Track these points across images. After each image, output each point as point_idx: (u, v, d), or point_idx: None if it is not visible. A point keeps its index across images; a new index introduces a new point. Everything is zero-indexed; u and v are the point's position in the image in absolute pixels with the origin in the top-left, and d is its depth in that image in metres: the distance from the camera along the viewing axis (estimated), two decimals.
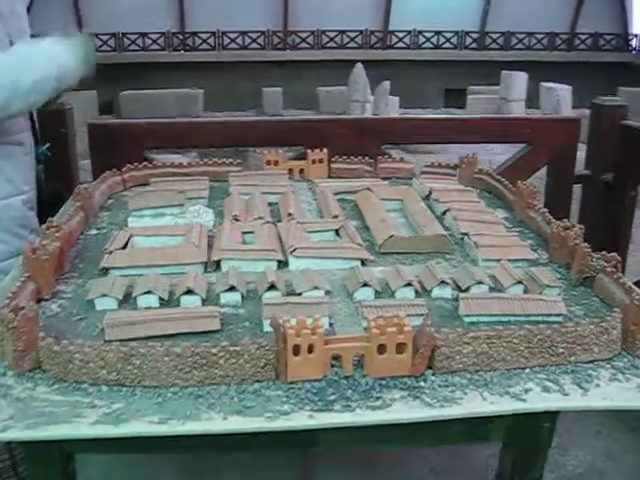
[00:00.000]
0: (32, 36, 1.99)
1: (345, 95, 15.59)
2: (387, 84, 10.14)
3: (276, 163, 2.21)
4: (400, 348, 1.15)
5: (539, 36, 20.11)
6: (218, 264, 1.54)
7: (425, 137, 2.64)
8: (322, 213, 1.90)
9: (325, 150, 2.23)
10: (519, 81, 11.91)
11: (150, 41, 18.31)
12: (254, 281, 1.46)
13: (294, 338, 1.11)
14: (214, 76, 17.53)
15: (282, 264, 1.57)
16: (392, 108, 10.08)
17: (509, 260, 1.61)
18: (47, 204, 2.13)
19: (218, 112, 15.81)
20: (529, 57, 19.27)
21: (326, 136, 2.48)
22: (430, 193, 2.04)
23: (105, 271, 1.51)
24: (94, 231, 1.82)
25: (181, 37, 18.50)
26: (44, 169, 2.17)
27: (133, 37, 18.13)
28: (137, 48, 18.23)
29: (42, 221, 2.17)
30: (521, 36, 20.07)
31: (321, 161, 2.23)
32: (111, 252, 1.53)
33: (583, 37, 20.45)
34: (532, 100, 12.58)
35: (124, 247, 1.57)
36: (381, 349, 1.15)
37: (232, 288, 1.37)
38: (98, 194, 1.97)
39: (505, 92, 12.03)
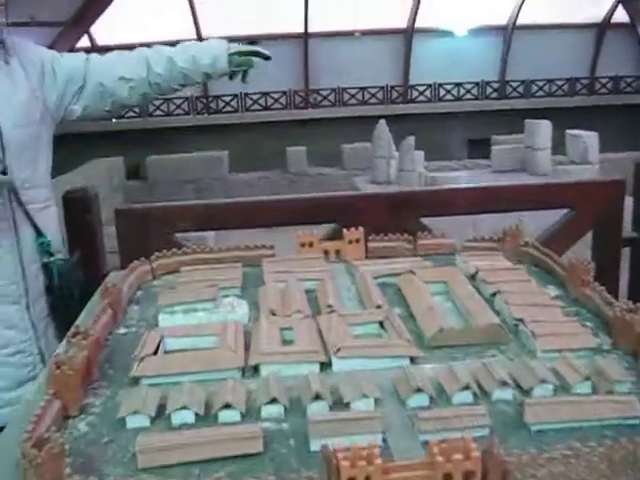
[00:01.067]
0: None
1: (369, 151, 15.67)
2: (412, 139, 10.11)
3: (311, 245, 2.11)
4: (467, 476, 1.02)
5: (559, 82, 20.15)
6: (256, 368, 1.43)
7: (462, 208, 2.54)
8: (363, 301, 1.78)
9: (361, 229, 2.13)
10: (543, 129, 11.82)
11: (174, 106, 18.63)
12: (297, 387, 1.34)
13: (349, 470, 0.99)
14: (238, 137, 17.72)
15: (325, 365, 1.45)
16: (418, 163, 10.01)
17: (570, 350, 1.48)
18: (59, 298, 2.11)
19: (243, 173, 15.96)
20: (550, 104, 19.27)
21: (359, 212, 2.39)
22: (476, 273, 1.92)
23: (135, 380, 1.41)
24: (123, 330, 1.72)
25: (205, 101, 18.80)
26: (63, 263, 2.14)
27: (157, 103, 18.45)
28: (162, 113, 18.54)
29: (56, 317, 2.13)
30: (541, 83, 20.12)
31: (358, 241, 2.13)
32: (142, 359, 1.42)
33: (603, 81, 20.45)
34: (556, 147, 12.48)
35: (155, 351, 1.46)
36: (446, 478, 1.02)
37: (274, 400, 1.26)
38: (126, 287, 1.88)
39: (530, 141, 11.95)
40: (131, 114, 18.49)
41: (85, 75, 2.30)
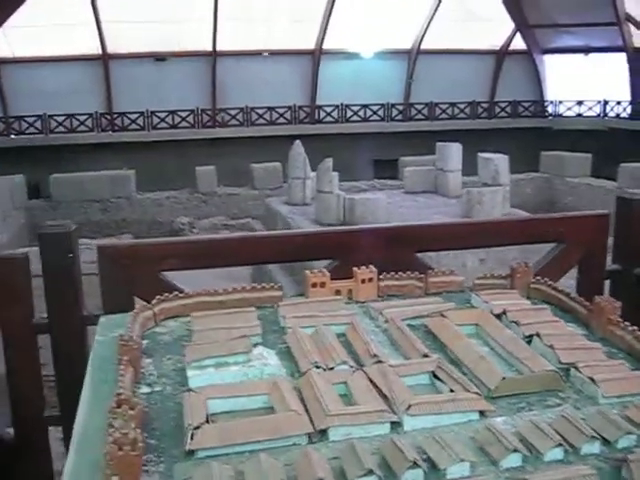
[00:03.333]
0: None
1: (279, 171, 15.62)
2: (329, 161, 10.10)
3: (322, 285, 1.99)
4: None
5: (461, 106, 20.79)
6: (323, 431, 1.31)
7: (458, 242, 2.49)
8: (402, 348, 1.68)
9: (373, 268, 2.04)
10: (454, 152, 12.09)
11: (78, 122, 17.98)
12: (382, 452, 1.23)
13: None
14: (145, 156, 17.28)
15: (395, 424, 1.35)
16: (335, 185, 10.01)
17: (631, 395, 1.45)
18: None
19: (150, 192, 15.55)
20: (453, 126, 19.86)
21: (358, 248, 2.29)
22: (504, 313, 1.86)
23: (190, 452, 1.25)
24: (146, 388, 1.55)
25: (109, 117, 18.25)
26: None
27: (60, 119, 17.78)
28: (64, 130, 17.86)
29: None
30: (444, 106, 20.70)
31: (370, 280, 2.04)
32: (196, 427, 1.27)
33: (503, 105, 21.27)
34: (462, 169, 12.77)
35: (207, 419, 1.31)
36: None
37: (370, 472, 1.14)
38: (137, 337, 1.70)
39: (442, 163, 12.18)
40: (32, 130, 17.75)
41: None
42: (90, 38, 17.22)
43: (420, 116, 20.61)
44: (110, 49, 17.76)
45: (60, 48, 16.97)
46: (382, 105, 20.19)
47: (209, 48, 18.31)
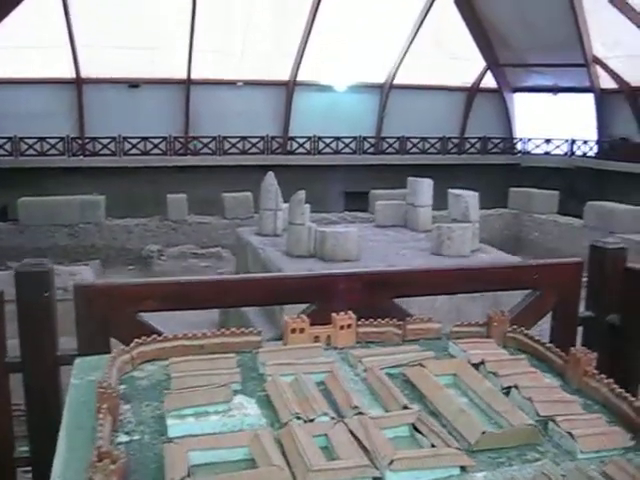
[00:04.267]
0: None
1: (250, 201, 15.63)
2: (302, 193, 10.12)
3: (302, 331, 1.99)
4: None
5: (432, 141, 21.08)
6: None
7: (434, 288, 2.52)
8: (380, 397, 1.69)
9: (352, 314, 2.05)
10: (425, 187, 12.19)
11: (48, 146, 17.88)
12: None
13: None
14: (115, 182, 17.22)
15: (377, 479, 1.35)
16: (306, 216, 10.02)
17: (607, 450, 1.48)
18: None
19: (120, 219, 15.45)
20: (424, 160, 20.11)
21: (336, 292, 2.30)
22: (482, 363, 1.87)
23: None
24: (124, 437, 1.52)
25: (80, 142, 18.17)
26: None
27: (31, 141, 17.65)
28: (34, 153, 17.73)
29: None
30: (415, 141, 20.97)
31: (349, 326, 2.04)
32: None
33: (473, 141, 21.60)
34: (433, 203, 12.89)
35: (188, 473, 1.29)
36: None
37: None
38: (114, 383, 1.68)
39: (412, 198, 12.28)
40: (1, 152, 17.60)
41: None
42: (64, 61, 17.19)
43: (391, 150, 20.86)
44: (84, 73, 17.74)
45: (34, 70, 16.92)
46: (354, 138, 20.40)
47: (183, 76, 18.39)
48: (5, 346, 2.20)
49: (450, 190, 11.82)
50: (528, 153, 21.77)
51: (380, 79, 20.33)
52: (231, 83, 19.05)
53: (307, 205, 10.28)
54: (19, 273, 2.12)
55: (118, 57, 17.15)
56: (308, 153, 20.09)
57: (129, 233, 15.23)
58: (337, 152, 20.32)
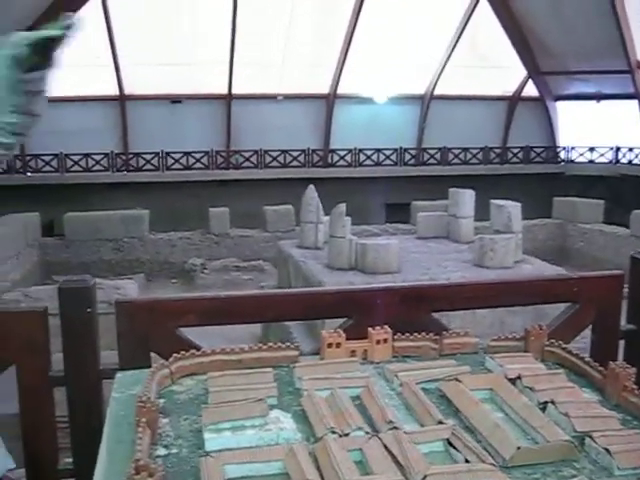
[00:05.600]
0: None
1: (291, 214, 15.72)
2: (343, 206, 10.15)
3: (338, 345, 2.01)
4: None
5: (474, 151, 20.94)
6: None
7: (471, 302, 2.52)
8: (416, 413, 1.69)
9: (388, 328, 2.06)
10: (467, 198, 12.14)
11: (93, 162, 18.24)
12: None
13: None
14: (158, 196, 17.48)
15: None
16: (348, 230, 10.05)
17: None
18: None
19: (163, 233, 15.67)
20: (465, 171, 19.98)
21: (373, 306, 2.32)
22: (519, 378, 1.87)
23: None
24: (163, 450, 1.56)
25: (124, 158, 18.50)
26: None
27: (76, 158, 18.04)
28: (80, 169, 18.11)
29: None
30: (457, 151, 20.86)
31: (385, 341, 2.05)
32: None
33: (515, 150, 21.40)
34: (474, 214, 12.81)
35: None
36: None
37: None
38: (154, 398, 1.72)
39: (454, 209, 12.23)
40: (48, 168, 18.02)
41: None
42: (108, 79, 17.55)
43: (433, 161, 20.78)
44: (127, 91, 18.08)
45: (78, 89, 17.30)
46: (395, 150, 20.37)
47: (224, 91, 18.60)
48: (50, 360, 2.26)
49: (492, 200, 11.74)
50: (572, 162, 21.47)
51: (420, 90, 20.28)
52: (271, 97, 19.21)
53: (348, 217, 10.32)
54: (62, 289, 2.18)
55: (160, 74, 17.44)
56: (349, 165, 20.13)
57: (172, 247, 15.45)
58: (378, 164, 20.32)
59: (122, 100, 18.18)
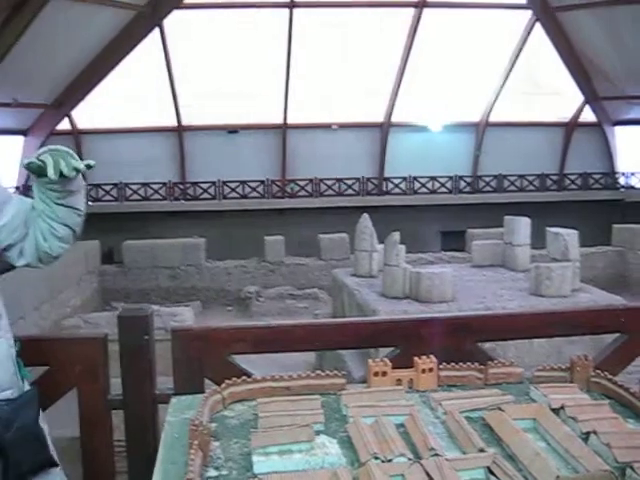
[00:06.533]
0: None
1: (346, 242, 15.78)
2: (397, 235, 10.17)
3: (384, 374, 2.06)
4: None
5: (530, 178, 20.73)
6: None
7: (517, 332, 2.55)
8: (458, 440, 1.74)
9: (433, 358, 2.11)
10: (523, 226, 12.02)
11: (152, 191, 18.70)
12: None
13: None
14: (215, 225, 17.78)
15: None
16: (402, 258, 10.05)
17: None
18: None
19: (219, 261, 15.91)
20: (522, 198, 19.75)
21: (420, 336, 2.37)
22: (562, 408, 1.89)
23: None
24: (213, 472, 1.64)
25: (182, 187, 18.91)
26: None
27: (135, 187, 18.54)
28: (139, 198, 18.58)
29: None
30: (513, 178, 20.68)
31: (431, 370, 2.10)
32: None
33: (573, 177, 21.10)
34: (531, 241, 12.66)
35: None
36: None
37: None
38: (206, 421, 1.80)
39: (510, 237, 12.13)
40: (108, 197, 18.56)
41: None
42: (167, 111, 18.04)
43: (488, 188, 20.64)
44: (185, 121, 18.53)
45: (138, 120, 17.86)
46: (450, 177, 20.32)
47: (280, 121, 18.89)
48: (109, 384, 2.37)
49: (548, 228, 11.62)
50: (632, 188, 21.04)
51: (475, 117, 20.24)
52: (326, 126, 19.42)
53: (402, 246, 10.34)
54: (122, 318, 2.29)
55: (217, 105, 17.87)
56: (404, 193, 20.15)
57: (228, 275, 15.65)
58: (433, 192, 20.28)
59: (180, 131, 18.64)
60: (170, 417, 2.00)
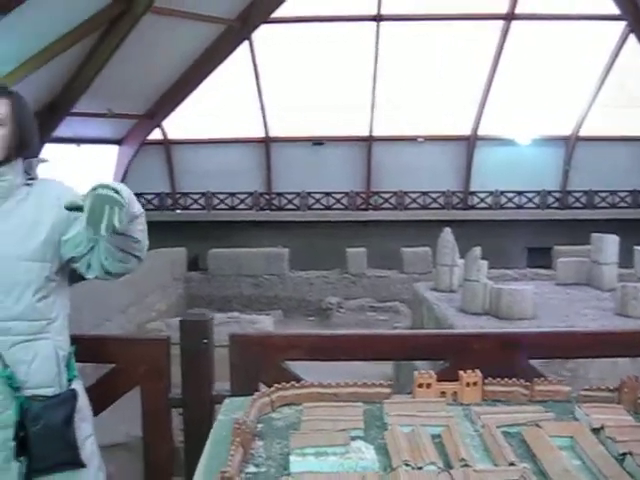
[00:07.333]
0: None
1: (429, 256, 15.69)
2: (478, 250, 10.07)
3: (429, 386, 2.12)
4: None
5: (622, 194, 20.08)
6: None
7: (570, 351, 2.54)
8: (492, 454, 1.77)
9: (478, 372, 2.14)
10: (610, 244, 11.69)
11: (238, 201, 19.14)
12: None
13: None
14: (298, 235, 18.01)
15: None
16: (483, 274, 9.94)
17: None
18: (33, 433, 2.09)
19: (302, 271, 16.11)
20: (613, 215, 19.14)
21: (470, 351, 2.40)
22: (602, 428, 1.90)
23: None
24: (253, 468, 1.74)
25: (267, 197, 19.26)
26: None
27: (222, 196, 19.02)
28: (225, 207, 19.05)
29: (24, 449, 2.09)
30: (604, 195, 20.08)
31: (475, 384, 2.14)
32: None
33: None
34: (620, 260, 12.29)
35: None
36: None
37: None
38: (250, 422, 1.91)
39: (596, 255, 11.81)
40: (195, 206, 19.14)
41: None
42: (254, 123, 18.44)
43: (577, 204, 20.11)
44: (272, 133, 18.88)
45: (226, 131, 18.34)
46: (538, 192, 19.91)
47: (366, 133, 18.98)
48: (170, 384, 2.52)
49: (637, 247, 11.27)
50: None
51: (565, 131, 19.75)
52: (412, 139, 19.38)
53: (484, 261, 10.24)
54: (183, 322, 2.43)
55: (303, 117, 18.12)
56: (489, 208, 19.86)
57: (310, 285, 15.83)
58: (520, 207, 19.90)
59: (267, 142, 19.00)
60: (221, 416, 2.12)
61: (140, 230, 2.20)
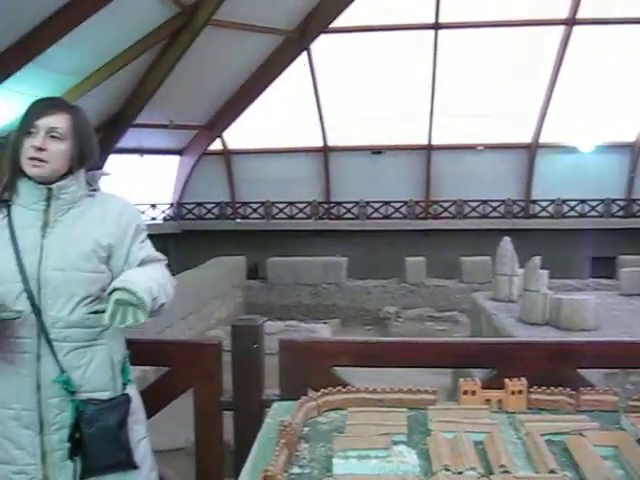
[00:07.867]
0: None
1: (489, 265, 15.51)
2: (538, 259, 9.95)
3: (473, 393, 2.14)
4: None
5: None
6: None
7: (619, 361, 2.51)
8: (534, 461, 1.79)
9: (524, 380, 2.15)
10: None
11: (297, 209, 19.30)
12: None
13: None
14: (357, 244, 18.05)
15: None
16: (542, 284, 9.80)
17: None
18: (88, 435, 2.16)
19: (360, 280, 16.14)
20: None
21: (518, 360, 2.41)
22: None
23: None
24: (297, 469, 1.79)
25: (326, 206, 19.37)
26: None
27: (281, 206, 19.22)
28: (284, 216, 19.23)
29: (79, 451, 2.17)
30: None
31: (520, 392, 2.15)
32: None
33: None
34: None
35: None
36: None
37: None
38: (297, 425, 1.96)
39: None
40: (255, 215, 19.40)
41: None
42: (314, 132, 18.60)
43: None
44: (331, 142, 19.01)
45: (284, 140, 18.55)
46: (601, 200, 19.48)
47: (424, 142, 18.92)
48: (221, 387, 2.60)
49: None
50: None
51: (630, 138, 19.29)
52: (471, 147, 19.23)
53: (544, 271, 10.10)
54: (235, 327, 2.51)
55: (362, 126, 18.18)
56: (551, 217, 19.53)
57: (368, 294, 15.84)
58: (582, 215, 19.50)
59: (326, 151, 19.12)
60: (269, 419, 2.18)
61: (163, 304, 2.29)
